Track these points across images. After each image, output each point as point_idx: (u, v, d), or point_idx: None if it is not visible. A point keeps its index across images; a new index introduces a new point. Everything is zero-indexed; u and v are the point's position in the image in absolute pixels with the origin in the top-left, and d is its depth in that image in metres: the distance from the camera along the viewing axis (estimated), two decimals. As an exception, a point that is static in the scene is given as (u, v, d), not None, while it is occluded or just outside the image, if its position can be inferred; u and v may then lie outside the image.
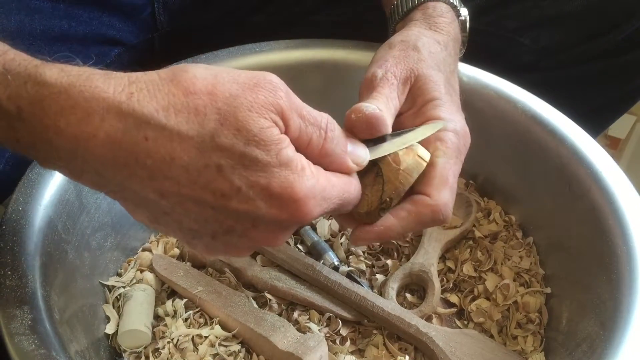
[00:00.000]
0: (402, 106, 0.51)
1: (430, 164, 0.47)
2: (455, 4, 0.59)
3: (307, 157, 0.40)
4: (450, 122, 0.49)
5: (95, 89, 0.35)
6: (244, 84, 0.37)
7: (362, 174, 0.45)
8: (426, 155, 0.46)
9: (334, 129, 0.41)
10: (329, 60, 0.68)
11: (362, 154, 0.43)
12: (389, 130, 0.46)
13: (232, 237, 0.40)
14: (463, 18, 0.60)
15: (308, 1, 0.78)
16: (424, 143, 0.48)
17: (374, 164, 0.45)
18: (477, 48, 0.69)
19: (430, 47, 0.53)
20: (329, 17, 0.79)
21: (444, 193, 0.47)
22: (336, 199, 0.41)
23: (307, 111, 0.40)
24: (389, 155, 0.45)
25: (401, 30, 0.56)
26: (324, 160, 0.41)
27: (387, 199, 0.45)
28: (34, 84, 0.36)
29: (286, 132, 0.38)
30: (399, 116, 0.51)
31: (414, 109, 0.51)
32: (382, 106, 0.47)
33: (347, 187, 0.42)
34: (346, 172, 0.42)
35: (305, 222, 0.39)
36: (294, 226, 0.41)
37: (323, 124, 0.40)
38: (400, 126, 0.50)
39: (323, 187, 0.39)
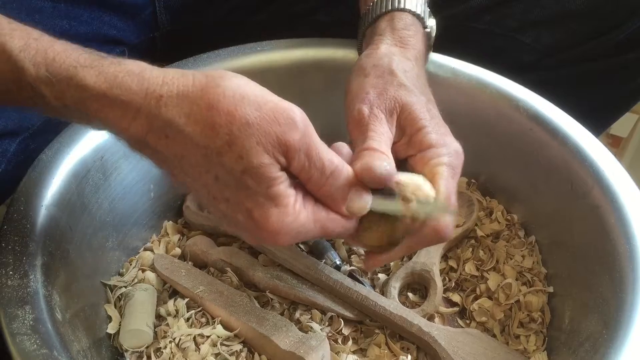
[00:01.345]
0: (395, 136, 0.52)
1: (435, 189, 0.48)
2: (421, 15, 0.59)
3: (309, 189, 0.44)
4: (442, 148, 0.50)
5: (129, 92, 0.41)
6: (264, 114, 0.40)
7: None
8: (433, 192, 0.48)
9: (338, 179, 0.44)
10: (330, 59, 0.68)
11: (360, 206, 0.45)
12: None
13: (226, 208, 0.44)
14: (429, 30, 0.60)
15: (309, 0, 0.78)
16: (426, 171, 0.49)
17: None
18: (478, 47, 0.69)
19: (404, 66, 0.54)
20: (330, 17, 0.79)
21: (447, 215, 0.48)
22: (316, 234, 0.45)
23: (316, 155, 0.42)
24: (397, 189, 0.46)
25: (369, 49, 0.57)
26: (321, 198, 0.45)
27: (399, 236, 0.48)
28: (76, 88, 0.41)
29: (288, 166, 0.42)
30: (392, 146, 0.52)
31: (405, 138, 0.52)
32: (384, 147, 0.48)
33: (334, 226, 0.45)
34: (341, 215, 0.45)
35: (274, 246, 0.43)
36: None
37: (328, 171, 0.43)
38: (394, 156, 0.51)
39: (301, 224, 0.43)
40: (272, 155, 0.41)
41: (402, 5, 0.59)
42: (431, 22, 0.61)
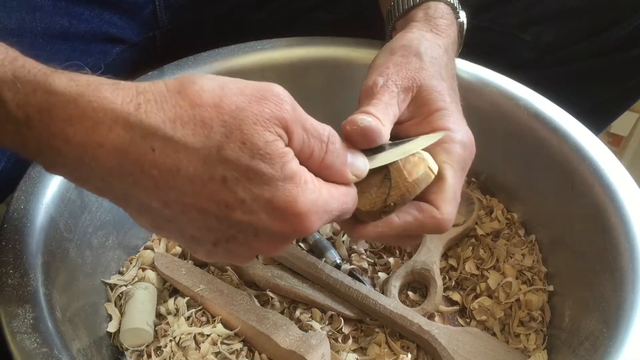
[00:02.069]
0: (405, 115, 0.51)
1: (440, 177, 0.47)
2: (455, 5, 0.59)
3: (309, 169, 0.40)
4: (457, 133, 0.49)
5: (103, 100, 0.36)
6: (250, 96, 0.38)
7: (370, 173, 0.45)
8: (435, 167, 0.47)
9: (335, 142, 0.41)
10: (331, 58, 0.68)
11: (361, 166, 0.44)
12: (386, 140, 0.46)
13: (233, 245, 0.40)
14: (461, 20, 0.60)
15: (309, -2, 0.78)
16: (431, 153, 0.48)
17: (382, 166, 0.46)
18: (478, 45, 0.69)
19: (433, 52, 0.53)
20: (330, 15, 0.79)
21: (451, 207, 0.47)
22: (336, 211, 0.42)
23: (310, 124, 0.40)
24: (400, 161, 0.45)
25: (402, 32, 0.56)
26: (324, 172, 0.41)
27: (391, 204, 0.46)
28: (43, 92, 0.36)
29: (289, 144, 0.39)
30: (401, 124, 0.51)
31: (418, 118, 0.50)
32: (380, 114, 0.47)
33: (346, 198, 0.42)
34: (346, 183, 0.43)
35: (307, 234, 0.40)
36: (295, 238, 0.42)
37: (325, 136, 0.41)
38: (405, 134, 0.50)
39: (325, 200, 0.40)
40: (273, 131, 0.38)
41: None
42: (462, 14, 0.60)
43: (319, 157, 0.41)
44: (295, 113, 0.39)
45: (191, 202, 0.38)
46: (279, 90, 0.39)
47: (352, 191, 0.44)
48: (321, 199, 0.40)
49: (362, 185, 0.45)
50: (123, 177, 0.37)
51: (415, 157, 0.46)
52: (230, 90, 0.37)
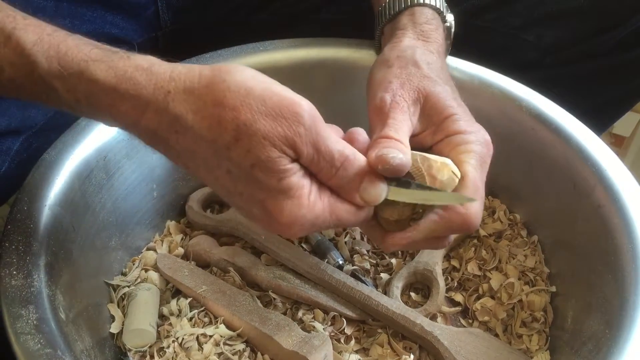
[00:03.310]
0: (417, 127, 0.51)
1: (462, 174, 0.47)
2: (441, 9, 0.59)
3: (321, 179, 0.44)
4: (471, 134, 0.49)
5: (137, 86, 0.41)
6: (269, 109, 0.40)
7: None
8: (458, 172, 0.47)
9: (347, 168, 0.43)
10: (333, 58, 0.68)
11: (374, 194, 0.44)
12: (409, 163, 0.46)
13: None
14: (448, 24, 0.60)
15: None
16: (451, 156, 0.48)
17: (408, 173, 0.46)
18: (481, 45, 0.69)
19: (427, 58, 0.54)
20: (332, 16, 0.79)
21: (476, 203, 0.47)
22: (330, 225, 0.45)
23: (325, 147, 0.42)
24: (423, 167, 0.46)
25: (392, 42, 0.57)
26: (333, 188, 0.44)
27: (420, 210, 0.47)
28: (87, 82, 0.42)
29: (299, 159, 0.42)
30: (416, 136, 0.51)
31: (432, 127, 0.51)
32: (400, 135, 0.48)
33: (348, 217, 0.45)
34: (355, 205, 0.45)
35: (290, 238, 0.43)
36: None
37: (338, 162, 0.43)
38: (420, 145, 0.50)
39: (316, 216, 0.43)
40: (279, 149, 0.40)
41: (422, 0, 0.58)
42: (450, 17, 0.60)
43: (327, 177, 0.43)
44: (309, 134, 0.41)
45: (205, 175, 0.43)
46: (300, 110, 0.40)
47: (361, 213, 0.45)
48: (310, 214, 0.43)
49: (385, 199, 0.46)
50: (155, 145, 0.44)
51: (437, 163, 0.46)
52: (254, 97, 0.40)
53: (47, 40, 0.43)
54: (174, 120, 0.41)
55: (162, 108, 0.41)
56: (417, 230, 0.47)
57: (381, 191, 0.44)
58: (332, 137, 0.42)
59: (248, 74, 0.41)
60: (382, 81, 0.52)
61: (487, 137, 0.51)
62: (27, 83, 0.43)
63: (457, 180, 0.46)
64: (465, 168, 0.48)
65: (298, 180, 0.42)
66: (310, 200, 0.43)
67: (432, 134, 0.51)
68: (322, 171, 0.43)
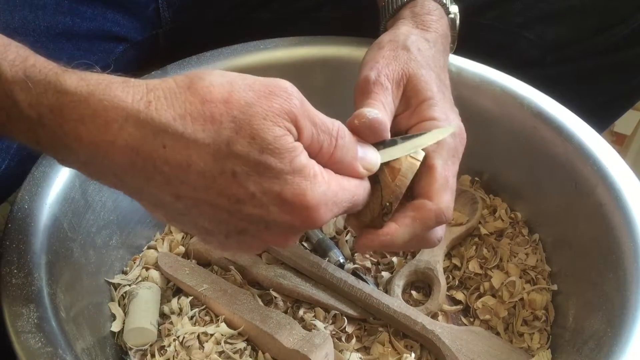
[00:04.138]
0: (397, 107, 0.51)
1: (429, 167, 0.47)
2: (444, 1, 0.59)
3: (319, 163, 0.41)
4: (443, 122, 0.49)
5: (114, 98, 0.36)
6: (259, 91, 0.38)
7: None
8: (419, 154, 0.46)
9: (344, 136, 0.42)
10: (334, 57, 0.68)
11: (372, 159, 0.44)
12: (388, 135, 0.46)
13: (245, 237, 0.41)
14: (452, 16, 0.60)
15: (312, -3, 0.78)
16: None
17: None
18: (482, 43, 0.69)
19: (419, 45, 0.54)
20: (333, 14, 0.79)
21: (445, 195, 0.47)
22: (347, 202, 0.42)
23: (319, 119, 0.40)
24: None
25: (390, 30, 0.57)
26: (335, 166, 0.42)
27: (387, 204, 0.46)
28: (55, 92, 0.37)
29: (299, 139, 0.39)
30: (395, 117, 0.51)
31: (409, 110, 0.51)
32: (380, 112, 0.47)
33: (357, 190, 0.43)
34: (357, 177, 0.43)
35: (317, 227, 0.41)
36: (305, 229, 0.42)
37: (334, 131, 0.41)
38: (396, 127, 0.50)
39: (335, 192, 0.40)
40: (283, 125, 0.38)
41: None
42: (454, 8, 0.60)
43: (328, 151, 0.41)
44: (304, 108, 0.39)
45: (203, 197, 0.38)
46: (286, 85, 0.39)
47: (365, 183, 0.44)
48: (330, 191, 0.40)
49: None
50: (135, 174, 0.38)
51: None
52: (239, 86, 0.38)
53: (14, 50, 0.38)
54: (160, 131, 0.36)
55: (145, 119, 0.36)
56: (392, 235, 0.46)
57: (376, 153, 0.44)
58: (318, 111, 0.41)
59: (221, 71, 0.39)
60: (370, 61, 0.52)
61: (461, 125, 0.50)
62: None
63: (417, 163, 0.46)
64: (434, 161, 0.47)
65: (307, 159, 0.39)
66: (324, 177, 0.40)
67: (408, 117, 0.50)
68: (324, 145, 0.41)
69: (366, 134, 0.44)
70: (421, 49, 0.53)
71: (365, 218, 0.46)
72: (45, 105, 0.37)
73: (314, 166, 0.40)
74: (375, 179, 0.45)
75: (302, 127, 0.39)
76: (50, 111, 0.37)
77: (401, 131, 0.51)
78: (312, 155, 0.40)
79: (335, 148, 0.41)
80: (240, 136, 0.37)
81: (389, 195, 0.45)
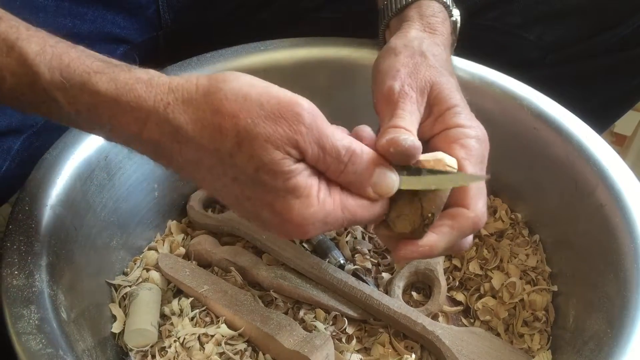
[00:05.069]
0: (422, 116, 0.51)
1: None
2: (448, 3, 0.59)
3: (329, 177, 0.43)
4: (471, 129, 0.49)
5: (138, 99, 0.41)
6: (269, 111, 0.40)
7: (398, 193, 0.45)
8: (454, 163, 0.46)
9: (355, 163, 0.43)
10: (335, 58, 0.68)
11: (388, 186, 0.44)
12: (420, 155, 0.45)
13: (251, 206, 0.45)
14: (455, 19, 0.60)
15: (312, -2, 0.78)
16: (449, 151, 0.47)
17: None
18: (482, 44, 0.69)
19: (433, 50, 0.53)
20: (333, 15, 0.79)
21: (480, 202, 0.47)
22: (344, 222, 0.44)
23: (330, 143, 0.42)
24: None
25: (398, 33, 0.56)
26: (344, 185, 0.44)
27: (429, 215, 0.45)
28: (89, 93, 0.42)
29: (304, 159, 0.42)
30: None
31: (432, 117, 0.50)
32: (409, 125, 0.47)
33: (363, 212, 0.44)
34: (366, 199, 0.44)
35: (304, 238, 0.42)
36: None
37: (345, 157, 0.42)
38: (419, 136, 0.49)
39: (327, 213, 0.42)
40: (282, 150, 0.40)
41: None
42: (456, 12, 0.60)
43: (335, 174, 0.43)
44: (312, 133, 0.41)
45: (211, 184, 0.44)
46: (299, 109, 0.40)
47: (376, 206, 0.44)
48: (322, 212, 0.42)
49: (395, 209, 0.45)
50: (159, 158, 0.44)
51: (430, 162, 0.45)
52: (251, 103, 0.40)
53: (50, 51, 0.43)
54: (175, 131, 0.41)
55: (163, 119, 0.41)
56: (430, 246, 0.46)
57: (394, 181, 0.44)
58: (337, 134, 0.42)
59: (244, 81, 0.41)
60: (390, 69, 0.51)
61: (485, 132, 0.50)
62: (28, 93, 0.43)
63: (454, 169, 0.45)
64: (465, 168, 0.47)
65: (305, 179, 0.41)
66: (319, 198, 0.42)
67: (432, 124, 0.50)
68: (330, 168, 0.42)
69: (397, 158, 0.44)
70: (436, 54, 0.53)
71: (405, 229, 0.46)
72: (82, 103, 0.42)
73: (311, 187, 0.42)
74: (412, 190, 0.45)
75: (305, 150, 0.41)
76: (87, 109, 0.42)
77: (424, 139, 0.50)
78: (321, 171, 0.43)
79: (342, 173, 0.43)
80: (240, 152, 0.40)
81: (429, 206, 0.45)
